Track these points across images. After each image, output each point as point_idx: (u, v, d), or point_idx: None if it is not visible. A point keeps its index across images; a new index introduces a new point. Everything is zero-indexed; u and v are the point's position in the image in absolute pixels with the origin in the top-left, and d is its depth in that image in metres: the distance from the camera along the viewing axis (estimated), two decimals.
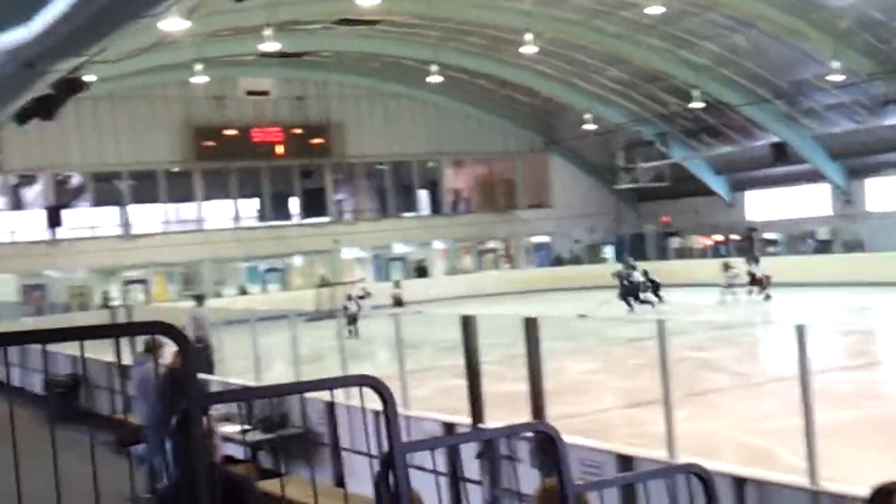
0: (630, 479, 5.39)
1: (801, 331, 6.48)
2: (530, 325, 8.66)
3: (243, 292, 40.96)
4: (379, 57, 40.40)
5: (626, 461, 7.84)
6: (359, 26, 35.56)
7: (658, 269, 40.56)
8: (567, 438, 8.53)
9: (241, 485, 5.22)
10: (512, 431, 5.30)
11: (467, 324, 9.40)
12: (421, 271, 45.32)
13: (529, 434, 8.68)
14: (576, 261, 47.34)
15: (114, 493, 3.62)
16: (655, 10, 30.07)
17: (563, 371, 17.84)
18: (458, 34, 38.06)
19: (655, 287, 31.67)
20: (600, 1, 33.63)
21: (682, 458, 7.53)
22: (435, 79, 38.44)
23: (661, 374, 7.80)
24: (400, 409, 10.11)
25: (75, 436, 15.93)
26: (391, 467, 3.64)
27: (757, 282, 31.37)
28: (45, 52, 5.82)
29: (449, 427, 9.74)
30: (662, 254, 45.55)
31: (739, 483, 6.85)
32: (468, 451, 9.50)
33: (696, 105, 38.68)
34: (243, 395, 5.68)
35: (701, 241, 46.01)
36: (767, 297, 30.89)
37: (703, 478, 4.28)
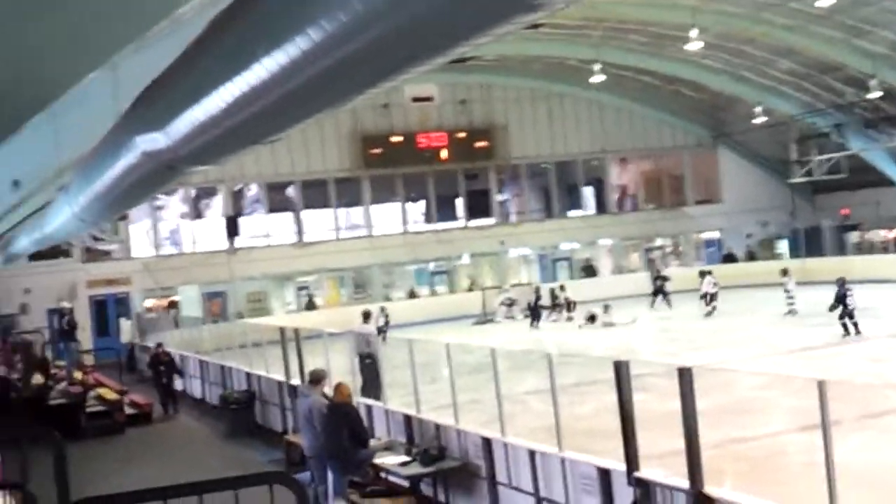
0: None
1: None
2: (684, 377, 8.46)
3: (412, 295, 41.67)
4: (542, 58, 40.36)
5: None
6: (522, 30, 35.55)
7: (835, 266, 39.21)
8: (734, 496, 8.31)
9: None
10: None
11: (619, 370, 9.28)
12: (588, 270, 44.93)
13: (685, 487, 8.56)
14: (749, 257, 45.93)
15: None
16: (826, 1, 28.83)
17: (731, 385, 17.24)
18: (620, 32, 37.61)
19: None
20: None
21: None
22: (598, 78, 38.16)
23: (822, 438, 7.44)
24: (552, 449, 10.16)
25: (248, 454, 16.49)
26: None
27: None
28: (184, 158, 6.05)
29: (604, 473, 9.64)
30: (840, 249, 43.61)
31: None
32: (623, 497, 9.40)
33: (874, 94, 36.89)
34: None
35: (883, 235, 43.78)
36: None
37: None
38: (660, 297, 35.28)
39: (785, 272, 29.98)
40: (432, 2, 3.10)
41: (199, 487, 3.35)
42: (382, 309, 30.11)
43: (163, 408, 22.50)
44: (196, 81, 5.20)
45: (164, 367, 23.08)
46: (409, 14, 3.16)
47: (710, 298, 32.23)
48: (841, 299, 24.14)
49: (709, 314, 31.64)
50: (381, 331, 27.24)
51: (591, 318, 31.27)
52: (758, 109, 41.83)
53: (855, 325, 23.92)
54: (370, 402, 14.87)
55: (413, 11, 3.12)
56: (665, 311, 34.03)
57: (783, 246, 47.13)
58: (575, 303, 35.29)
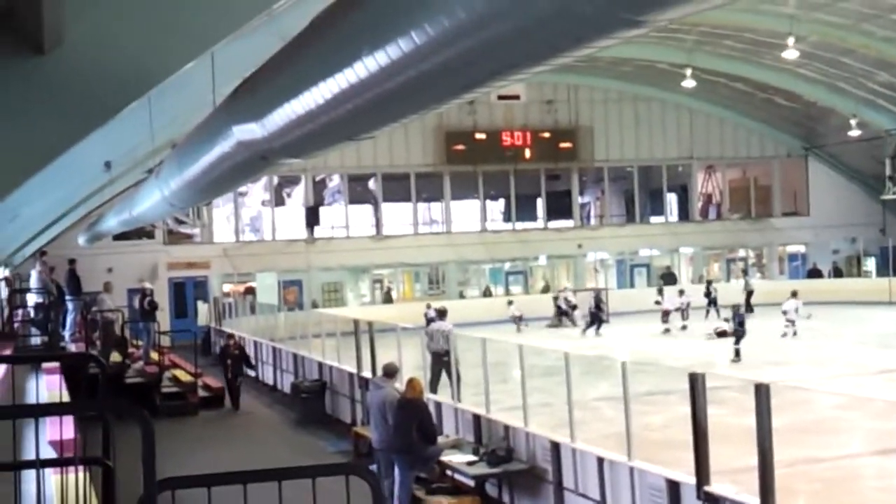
0: None
1: None
2: (761, 393, 8.31)
3: (487, 294, 41.65)
4: (631, 61, 39.87)
5: None
6: None
7: None
8: None
9: None
10: None
11: (695, 382, 9.15)
12: (668, 278, 44.24)
13: None
14: (835, 273, 44.84)
15: None
16: None
17: (810, 403, 16.93)
18: (714, 38, 37.01)
19: None
20: (869, 4, 31.74)
21: None
22: (689, 83, 37.69)
23: None
24: (622, 458, 10.08)
25: (317, 443, 16.62)
26: None
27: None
28: (278, 150, 6.15)
29: (674, 485, 9.52)
30: None
31: None
32: None
33: None
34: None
35: None
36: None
37: None
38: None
39: (794, 294, 29.47)
40: (535, 13, 3.10)
41: (279, 474, 3.44)
42: (429, 305, 30.54)
43: (231, 401, 21.86)
44: (296, 76, 5.30)
45: (231, 360, 22.10)
46: (511, 24, 3.16)
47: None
48: (741, 325, 24.69)
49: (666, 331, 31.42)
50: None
51: (722, 333, 30.14)
52: (853, 122, 40.80)
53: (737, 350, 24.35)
54: (440, 399, 14.88)
55: (516, 22, 3.12)
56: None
57: (871, 264, 45.90)
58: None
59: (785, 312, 29.08)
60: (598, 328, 32.51)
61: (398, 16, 3.84)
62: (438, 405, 14.53)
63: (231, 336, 23.92)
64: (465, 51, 3.54)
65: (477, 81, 4.07)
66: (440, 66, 3.79)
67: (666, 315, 32.04)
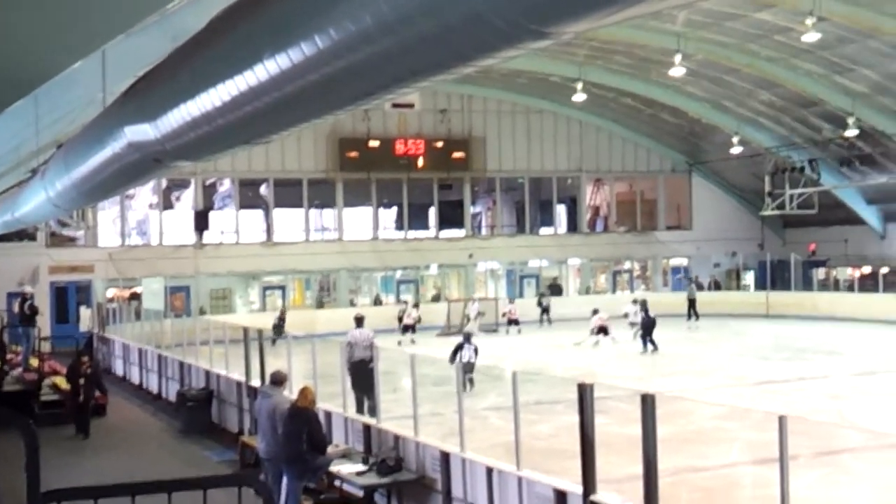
0: None
1: None
2: (647, 403, 8.47)
3: (377, 302, 41.53)
4: (525, 73, 40.36)
5: None
6: None
7: (799, 300, 39.82)
8: None
9: None
10: None
11: (583, 393, 9.27)
12: (554, 289, 44.93)
13: None
14: (715, 286, 46.15)
15: None
16: (812, 36, 29.07)
17: (691, 413, 17.38)
18: (605, 53, 37.75)
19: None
20: (755, 24, 32.79)
21: None
22: (580, 96, 38.31)
23: (780, 472, 7.49)
24: (510, 467, 10.14)
25: (202, 453, 16.28)
26: None
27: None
28: (171, 152, 6.00)
29: (561, 494, 9.63)
30: (807, 284, 44.01)
31: None
32: None
33: (851, 133, 37.33)
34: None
35: (850, 274, 44.22)
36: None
37: None
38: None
39: (635, 301, 31.68)
40: (441, 23, 3.09)
41: (169, 486, 3.35)
42: (282, 311, 30.80)
43: (76, 428, 18.92)
44: (193, 76, 5.18)
45: (84, 380, 19.22)
46: (417, 32, 3.15)
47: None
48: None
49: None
50: (278, 330, 27.18)
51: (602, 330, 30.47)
52: (735, 139, 42.13)
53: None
54: (330, 408, 14.70)
55: (421, 30, 3.11)
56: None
57: (750, 277, 47.42)
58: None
59: (626, 316, 31.08)
60: (647, 339, 29.26)
61: (302, 18, 3.79)
62: (328, 414, 14.39)
63: (81, 353, 21.16)
64: (367, 56, 3.52)
65: (380, 87, 4.05)
66: (343, 71, 3.76)
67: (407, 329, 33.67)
